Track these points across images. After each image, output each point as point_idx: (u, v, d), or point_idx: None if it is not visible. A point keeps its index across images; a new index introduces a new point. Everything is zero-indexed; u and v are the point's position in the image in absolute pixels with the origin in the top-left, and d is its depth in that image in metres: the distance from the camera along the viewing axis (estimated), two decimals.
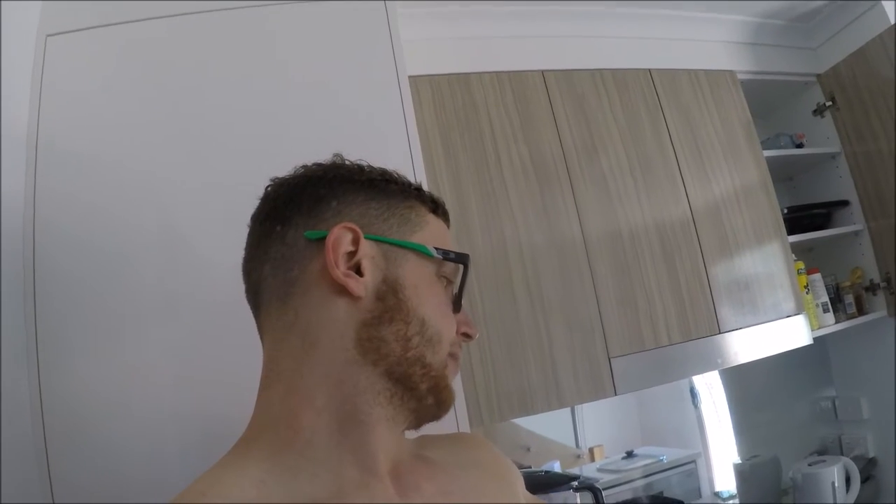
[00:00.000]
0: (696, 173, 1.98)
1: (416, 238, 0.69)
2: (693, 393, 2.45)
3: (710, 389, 2.45)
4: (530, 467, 2.07)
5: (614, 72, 1.98)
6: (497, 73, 1.86)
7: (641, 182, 1.91)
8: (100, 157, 1.24)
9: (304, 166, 0.72)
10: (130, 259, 1.19)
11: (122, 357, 1.14)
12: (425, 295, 0.67)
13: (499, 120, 1.82)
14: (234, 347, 1.03)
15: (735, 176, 2.04)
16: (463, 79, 1.83)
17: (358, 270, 0.65)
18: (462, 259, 0.71)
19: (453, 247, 0.73)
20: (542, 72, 1.90)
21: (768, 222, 2.05)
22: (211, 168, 1.25)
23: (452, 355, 0.70)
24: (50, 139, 1.24)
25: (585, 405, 2.24)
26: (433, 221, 0.73)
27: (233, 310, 1.09)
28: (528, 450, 2.19)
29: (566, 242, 1.78)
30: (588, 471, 2.26)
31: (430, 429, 0.75)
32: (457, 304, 0.71)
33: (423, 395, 0.66)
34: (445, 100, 1.80)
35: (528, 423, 2.16)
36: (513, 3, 1.93)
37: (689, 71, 2.09)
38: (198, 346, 1.16)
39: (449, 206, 0.80)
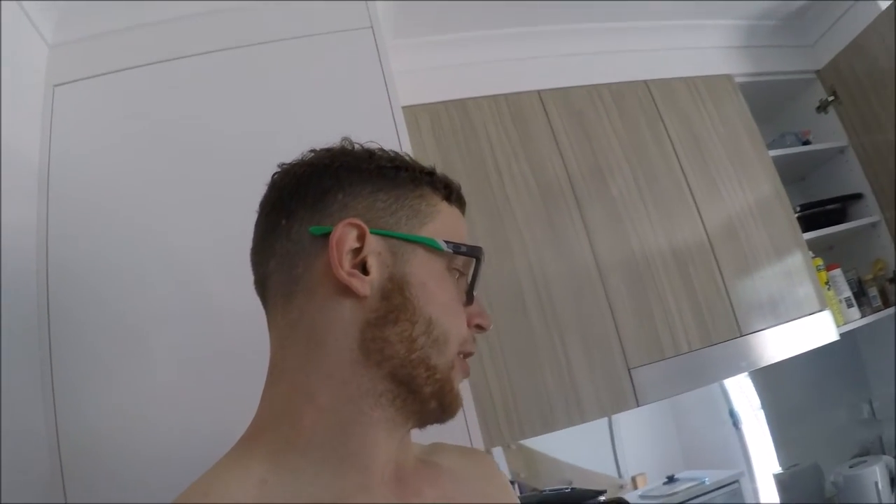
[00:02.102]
0: (704, 184, 1.97)
1: (426, 231, 0.66)
2: (733, 414, 2.39)
3: (752, 409, 2.39)
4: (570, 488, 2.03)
5: (610, 86, 2.00)
6: (494, 96, 1.89)
7: (649, 197, 1.90)
8: (112, 199, 1.29)
9: (313, 151, 0.69)
10: (143, 278, 1.24)
11: (136, 374, 1.19)
12: (433, 292, 0.64)
13: (499, 141, 1.84)
14: (248, 361, 1.05)
15: (744, 182, 2.02)
16: (460, 104, 1.86)
17: (364, 268, 0.62)
18: (474, 252, 0.67)
19: (467, 236, 0.70)
20: (539, 91, 1.93)
21: (783, 225, 2.02)
22: (218, 199, 1.29)
23: (464, 354, 0.67)
24: (62, 185, 1.30)
25: (624, 433, 2.24)
26: (446, 210, 0.69)
27: (247, 325, 1.13)
28: (571, 483, 2.15)
29: (577, 262, 1.78)
30: (631, 499, 2.21)
31: (444, 439, 0.75)
32: (469, 296, 0.67)
33: (426, 399, 0.63)
34: (444, 125, 1.82)
35: (568, 455, 2.16)
36: (505, 28, 1.97)
37: (685, 79, 2.09)
38: (211, 360, 1.19)
39: None
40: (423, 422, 0.67)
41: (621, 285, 1.78)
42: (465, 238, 0.69)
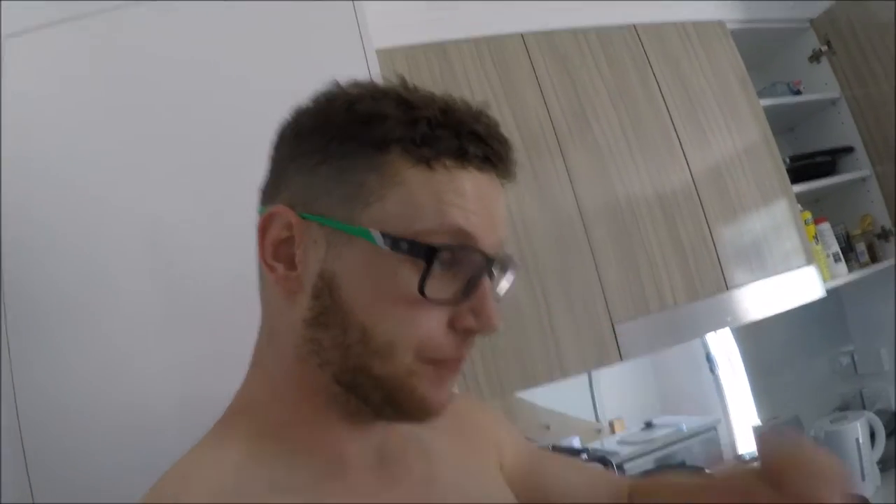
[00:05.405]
0: (692, 131, 1.91)
1: (369, 214, 0.52)
2: (709, 359, 2.37)
3: (728, 354, 2.37)
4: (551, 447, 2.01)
5: (598, 30, 1.91)
6: (475, 39, 1.79)
7: (636, 144, 1.83)
8: (70, 162, 1.20)
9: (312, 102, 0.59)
10: (104, 252, 1.16)
11: (100, 349, 1.13)
12: (372, 295, 0.53)
13: (480, 88, 1.75)
14: (221, 337, 1.01)
15: (733, 130, 1.96)
16: (439, 48, 1.76)
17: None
18: (423, 252, 0.51)
19: (475, 210, 0.53)
20: (522, 35, 1.83)
21: (771, 174, 1.97)
22: (181, 157, 1.22)
23: (436, 360, 0.54)
24: (13, 144, 1.20)
25: (602, 378, 2.21)
26: (418, 179, 0.53)
27: (217, 298, 1.08)
28: (548, 428, 2.13)
29: (560, 212, 1.71)
30: (609, 444, 2.21)
31: None
32: (464, 294, 0.53)
33: (378, 406, 0.55)
34: (423, 72, 1.73)
35: (546, 400, 2.12)
36: None
37: (676, 24, 2.01)
38: (182, 335, 1.15)
39: None
40: (391, 420, 0.59)
41: (606, 236, 1.72)
42: (454, 213, 0.52)
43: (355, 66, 1.31)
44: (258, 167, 0.62)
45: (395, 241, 0.51)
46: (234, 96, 1.26)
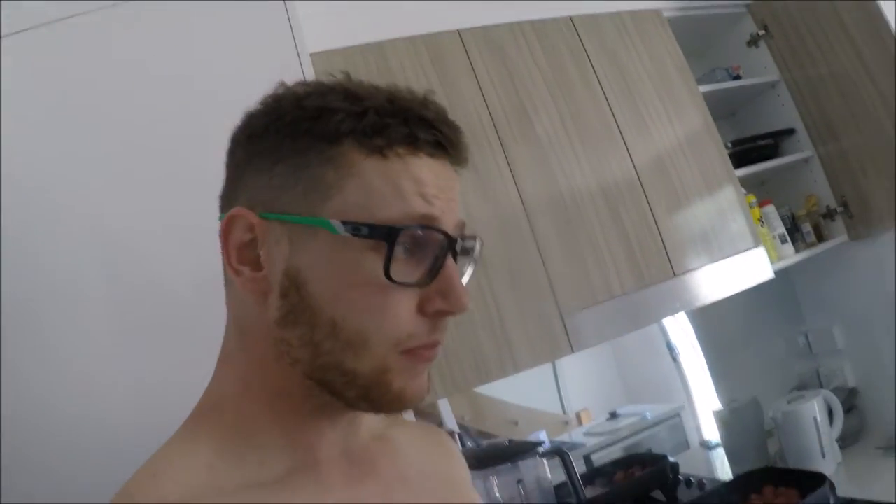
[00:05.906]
0: (632, 120, 1.91)
1: (331, 206, 0.53)
2: (670, 347, 2.39)
3: (689, 340, 2.39)
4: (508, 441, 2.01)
5: (533, 23, 1.90)
6: (412, 38, 1.78)
7: (576, 135, 1.82)
8: (17, 164, 1.17)
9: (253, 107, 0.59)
10: (61, 261, 1.15)
11: (57, 360, 1.11)
12: (339, 287, 0.53)
13: (418, 86, 1.71)
14: (181, 348, 1.03)
15: (674, 117, 1.97)
16: (376, 48, 1.75)
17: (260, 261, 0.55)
18: (384, 234, 0.51)
19: (434, 193, 0.54)
20: (459, 31, 1.82)
21: (714, 159, 1.98)
22: (136, 165, 1.20)
23: (413, 348, 0.54)
24: None
25: (566, 370, 2.22)
26: (373, 168, 0.53)
27: (177, 309, 1.07)
28: (517, 424, 2.15)
29: (503, 206, 1.70)
30: (576, 436, 2.23)
31: None
32: (429, 276, 0.54)
33: (352, 401, 0.56)
34: (360, 71, 1.69)
35: (512, 396, 2.13)
36: None
37: (612, 14, 2.01)
38: (141, 346, 1.14)
39: None
40: (367, 411, 0.59)
41: (550, 228, 1.71)
42: (414, 201, 0.53)
43: (290, 71, 1.29)
44: (216, 173, 0.61)
45: (356, 227, 0.51)
46: (173, 103, 1.25)
